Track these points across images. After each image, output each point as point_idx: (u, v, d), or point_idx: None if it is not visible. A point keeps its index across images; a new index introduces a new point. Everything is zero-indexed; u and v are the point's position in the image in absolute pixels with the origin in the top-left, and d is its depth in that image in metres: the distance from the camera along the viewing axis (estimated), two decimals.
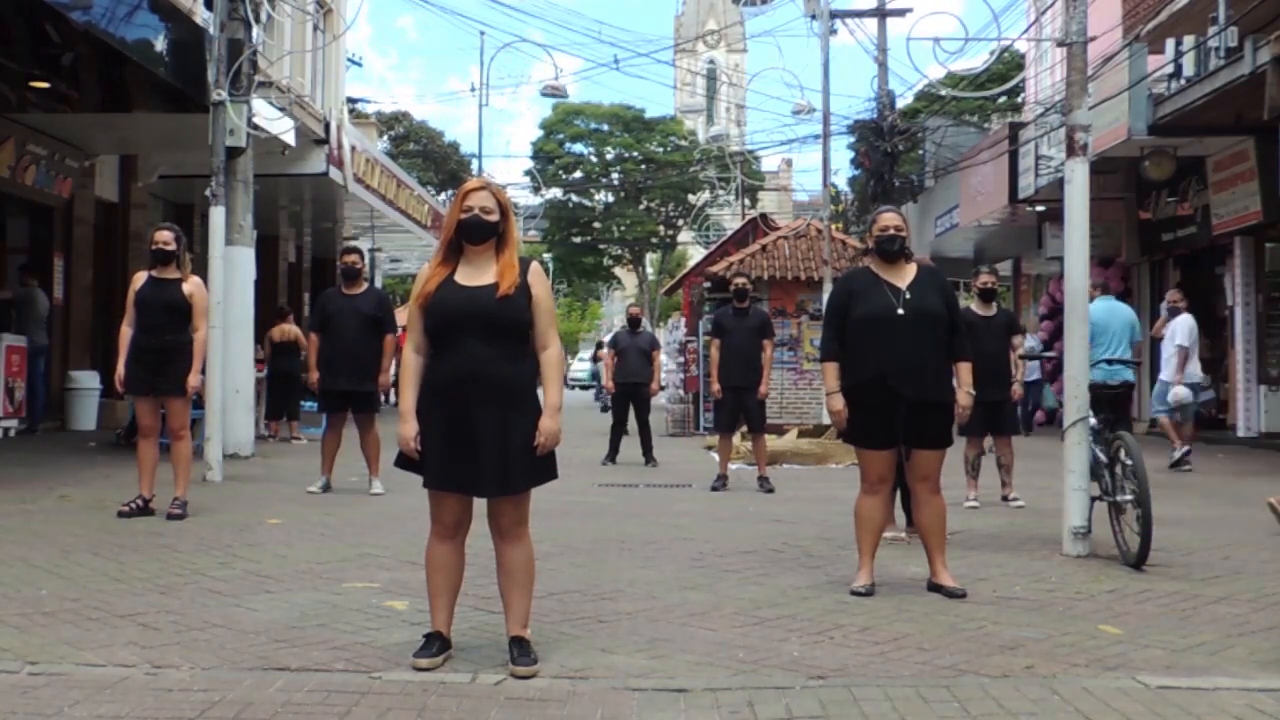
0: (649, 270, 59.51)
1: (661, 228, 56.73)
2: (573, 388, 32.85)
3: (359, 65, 35.46)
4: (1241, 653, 4.45)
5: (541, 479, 4.20)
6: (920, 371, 5.48)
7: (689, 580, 5.81)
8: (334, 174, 15.85)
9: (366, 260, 11.23)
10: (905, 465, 5.75)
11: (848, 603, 5.29)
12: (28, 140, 13.90)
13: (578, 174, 56.47)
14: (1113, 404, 7.32)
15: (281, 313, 16.08)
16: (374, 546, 6.62)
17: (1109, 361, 9.29)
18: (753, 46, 75.62)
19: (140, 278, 7.79)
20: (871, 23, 23.55)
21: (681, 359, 19.70)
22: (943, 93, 18.54)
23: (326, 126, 15.56)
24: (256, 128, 12.01)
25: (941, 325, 5.58)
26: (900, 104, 26.91)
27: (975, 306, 9.00)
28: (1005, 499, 9.03)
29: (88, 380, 15.14)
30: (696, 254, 47.89)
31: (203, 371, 7.92)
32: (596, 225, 56.66)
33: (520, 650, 4.11)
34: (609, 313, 74.09)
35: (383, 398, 9.96)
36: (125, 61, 11.35)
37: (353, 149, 16.77)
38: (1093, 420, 6.76)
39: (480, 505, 4.24)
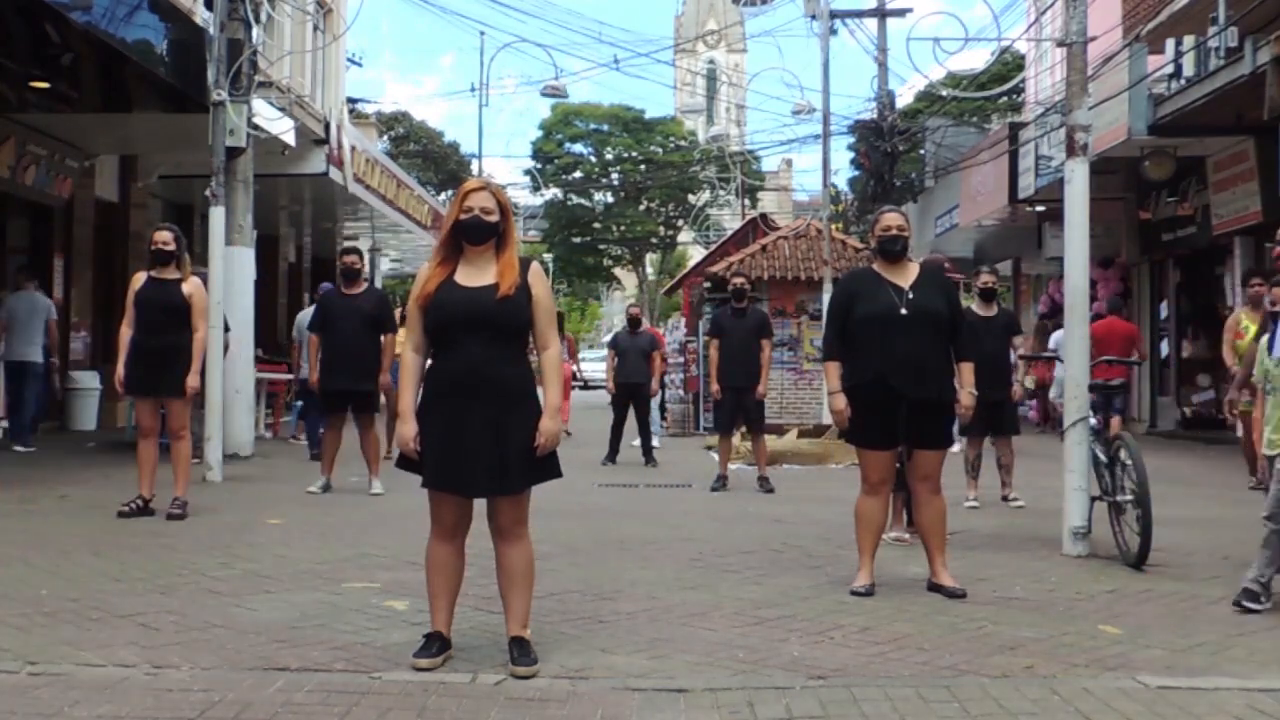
0: (649, 270, 59.51)
1: (661, 228, 56.73)
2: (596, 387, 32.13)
3: (359, 65, 35.50)
4: (1241, 653, 4.46)
5: (543, 477, 4.20)
6: (922, 371, 5.48)
7: (689, 580, 5.81)
8: (334, 174, 15.84)
9: (366, 260, 11.22)
10: (906, 465, 5.75)
11: (848, 603, 5.29)
12: (28, 140, 13.89)
13: (577, 174, 56.47)
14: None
15: None
16: (374, 546, 6.62)
17: None
18: (753, 46, 75.67)
19: (140, 278, 7.78)
20: (871, 23, 23.55)
21: (681, 359, 19.69)
22: (943, 93, 18.55)
23: (326, 126, 15.55)
24: (256, 128, 12.01)
25: (944, 325, 5.59)
26: (900, 104, 26.92)
27: (976, 306, 9.00)
28: (1005, 499, 9.03)
29: (88, 380, 15.14)
30: (696, 254, 47.89)
31: (202, 372, 7.92)
32: (596, 225, 56.67)
33: (520, 650, 4.11)
34: (609, 313, 74.07)
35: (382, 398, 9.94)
36: (125, 61, 11.32)
37: (353, 149, 16.76)
38: (1093, 420, 6.76)
39: (480, 505, 4.24)
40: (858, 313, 5.62)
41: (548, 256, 53.97)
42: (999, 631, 4.75)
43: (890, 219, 5.74)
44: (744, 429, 11.28)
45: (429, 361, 4.27)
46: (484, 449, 4.07)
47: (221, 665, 4.12)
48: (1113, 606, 5.28)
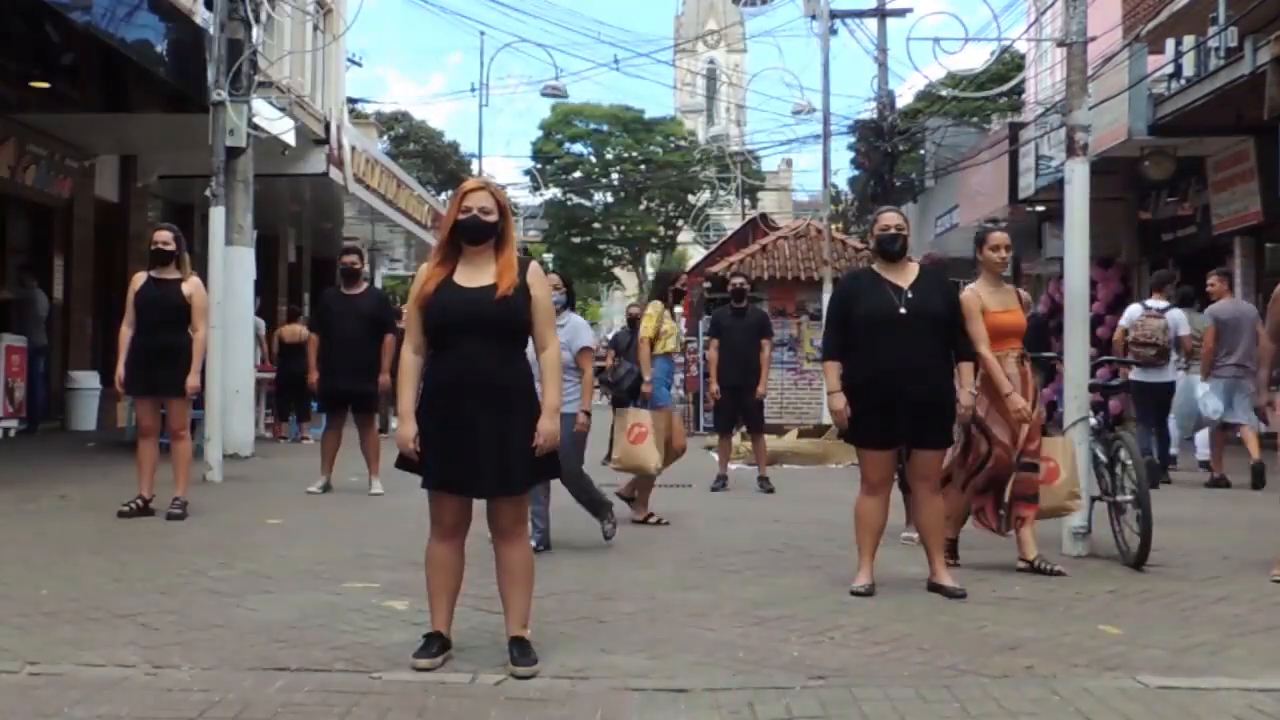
0: (649, 270, 59.48)
1: (661, 228, 56.72)
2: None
3: (359, 65, 35.47)
4: (1241, 653, 4.45)
5: (542, 477, 4.20)
6: (921, 371, 5.49)
7: (689, 580, 5.81)
8: (334, 174, 15.84)
9: (366, 260, 11.22)
10: (906, 465, 5.75)
11: (848, 603, 5.29)
12: (28, 140, 13.90)
13: (577, 174, 56.46)
14: None
15: (292, 313, 16.06)
16: (374, 546, 6.62)
17: None
18: (753, 46, 75.49)
19: (140, 278, 7.78)
20: (871, 23, 23.55)
21: (681, 359, 19.71)
22: (943, 93, 18.56)
23: (326, 126, 15.55)
24: (256, 128, 12.01)
25: (943, 325, 5.60)
26: (900, 104, 26.92)
27: None
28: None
29: (88, 380, 15.14)
30: (696, 254, 47.88)
31: (202, 371, 7.92)
32: (596, 225, 56.66)
33: (520, 650, 4.11)
34: (609, 313, 74.03)
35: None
36: (125, 61, 11.34)
37: (353, 149, 16.77)
38: (1093, 420, 6.76)
39: (480, 505, 4.24)
40: (857, 313, 5.62)
41: (548, 256, 53.94)
42: (999, 631, 4.75)
43: (889, 218, 5.75)
44: (744, 429, 11.27)
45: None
46: (484, 449, 4.07)
47: (221, 665, 4.12)
48: (1113, 606, 5.28)
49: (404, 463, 4.23)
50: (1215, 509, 8.85)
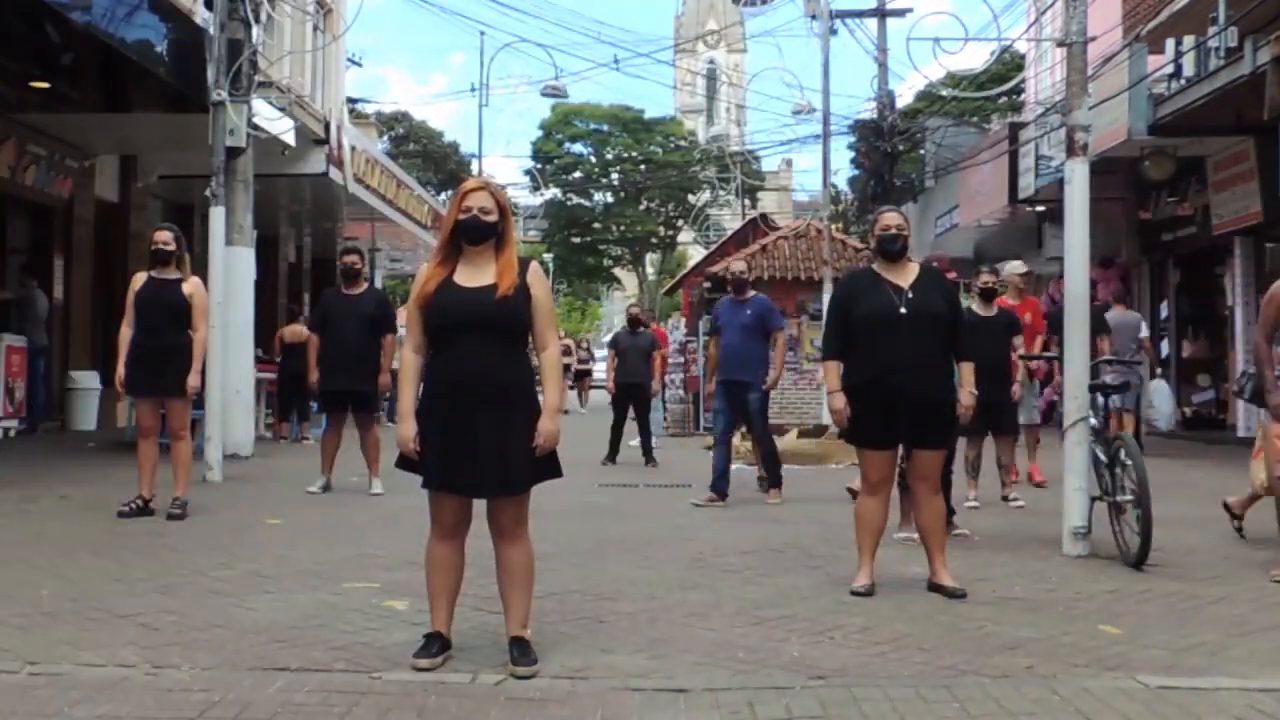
0: (649, 270, 59.52)
1: (661, 228, 56.75)
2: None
3: (359, 65, 35.45)
4: (1241, 653, 4.45)
5: (543, 477, 4.20)
6: (922, 371, 5.49)
7: (689, 580, 5.81)
8: (334, 174, 15.83)
9: (366, 260, 11.22)
10: (907, 465, 5.76)
11: (848, 603, 5.29)
12: (28, 140, 13.91)
13: (577, 174, 56.49)
14: None
15: (292, 313, 16.07)
16: (374, 546, 6.62)
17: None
18: (753, 46, 75.52)
19: (140, 278, 7.79)
20: (871, 23, 23.57)
21: (681, 359, 19.70)
22: (943, 93, 18.56)
23: (326, 126, 15.55)
24: (256, 128, 12.01)
25: (943, 325, 5.59)
26: (900, 104, 26.94)
27: (976, 306, 8.99)
28: (1005, 499, 9.03)
29: (88, 380, 15.14)
30: (696, 254, 47.89)
31: (202, 371, 7.92)
32: (596, 225, 56.70)
33: (520, 650, 4.11)
34: (609, 313, 74.05)
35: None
36: (125, 61, 11.36)
37: (353, 149, 16.76)
38: (1093, 420, 6.76)
39: (480, 505, 4.25)
40: (857, 312, 5.62)
41: (548, 256, 53.96)
42: (999, 631, 4.75)
43: (889, 218, 5.75)
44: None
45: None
46: (484, 450, 4.07)
47: (221, 665, 4.12)
48: (1113, 606, 5.28)
49: (404, 463, 4.24)
50: (1215, 509, 8.84)
